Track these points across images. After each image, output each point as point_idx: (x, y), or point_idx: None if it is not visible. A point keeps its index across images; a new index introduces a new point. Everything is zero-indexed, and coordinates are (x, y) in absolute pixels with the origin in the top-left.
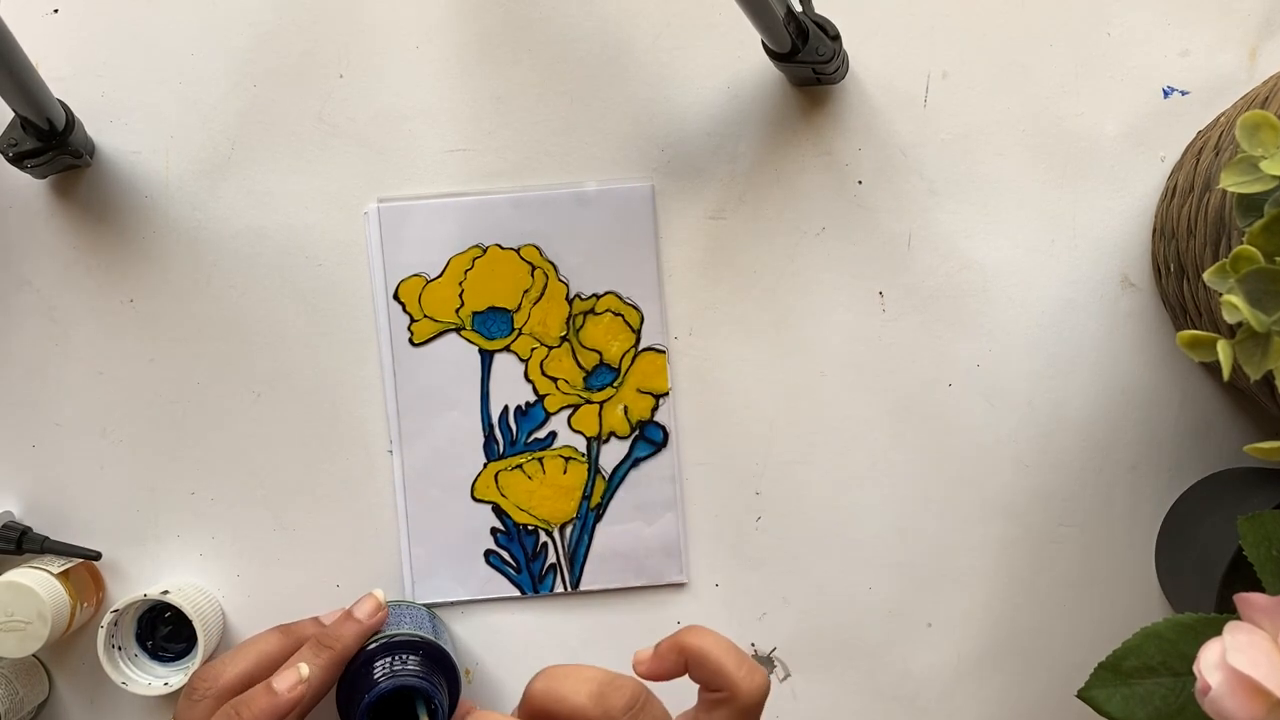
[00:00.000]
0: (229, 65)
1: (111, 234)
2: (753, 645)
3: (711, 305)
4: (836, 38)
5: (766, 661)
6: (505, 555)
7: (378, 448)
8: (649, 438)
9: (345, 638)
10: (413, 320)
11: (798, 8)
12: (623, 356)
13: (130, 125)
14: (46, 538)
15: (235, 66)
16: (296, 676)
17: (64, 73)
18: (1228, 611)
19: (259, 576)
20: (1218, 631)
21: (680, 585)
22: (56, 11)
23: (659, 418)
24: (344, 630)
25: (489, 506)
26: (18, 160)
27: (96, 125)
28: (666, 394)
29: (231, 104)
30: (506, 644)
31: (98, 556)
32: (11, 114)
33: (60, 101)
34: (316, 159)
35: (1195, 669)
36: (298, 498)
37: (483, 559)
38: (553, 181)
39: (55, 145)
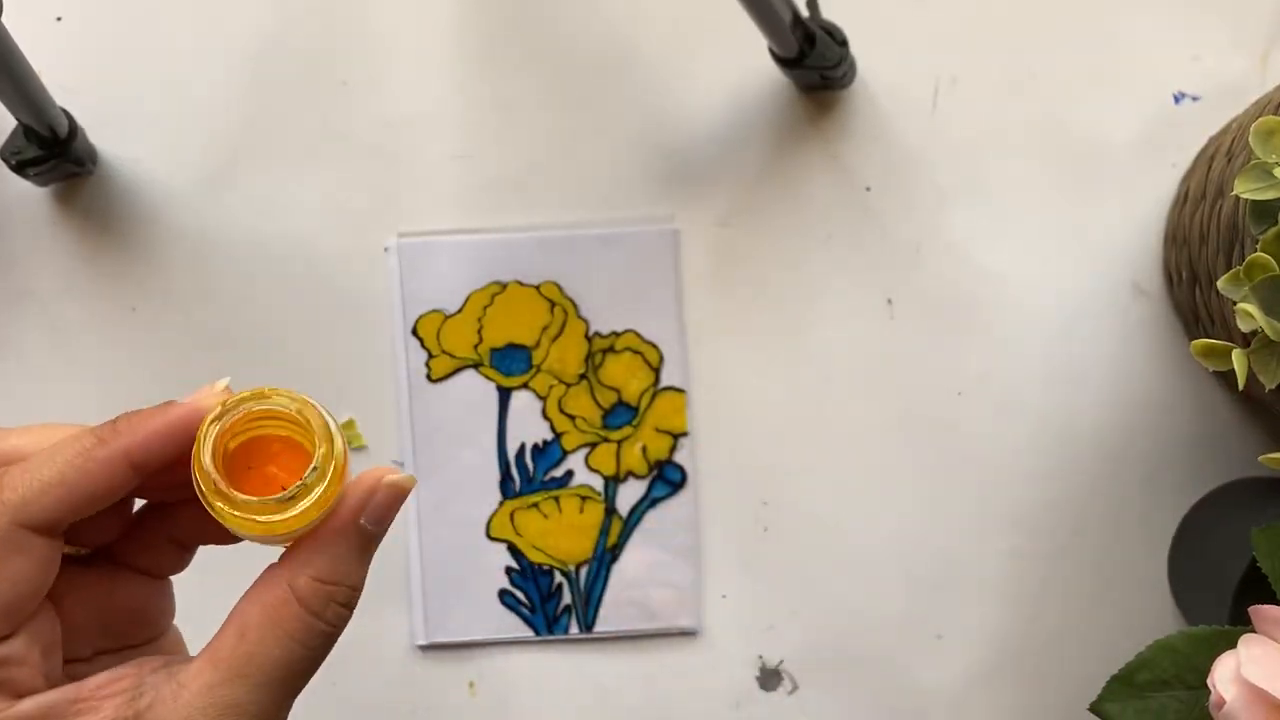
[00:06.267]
0: (232, 73)
1: (114, 242)
2: (760, 657)
3: (718, 312)
4: (844, 43)
5: (774, 674)
6: (520, 595)
7: None
8: (667, 478)
9: (137, 428)
10: (430, 356)
11: (805, 13)
12: (641, 395)
13: (133, 133)
14: None
15: (238, 75)
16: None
17: (66, 81)
18: (1242, 624)
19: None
20: (1232, 644)
21: (692, 634)
22: (60, 19)
23: (678, 458)
24: (140, 419)
25: (504, 545)
26: (20, 168)
27: (99, 133)
28: (685, 434)
29: (235, 112)
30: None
31: None
32: (14, 122)
33: (63, 109)
34: (320, 166)
35: (1209, 683)
36: None
37: (497, 598)
38: (555, 183)
39: (58, 153)
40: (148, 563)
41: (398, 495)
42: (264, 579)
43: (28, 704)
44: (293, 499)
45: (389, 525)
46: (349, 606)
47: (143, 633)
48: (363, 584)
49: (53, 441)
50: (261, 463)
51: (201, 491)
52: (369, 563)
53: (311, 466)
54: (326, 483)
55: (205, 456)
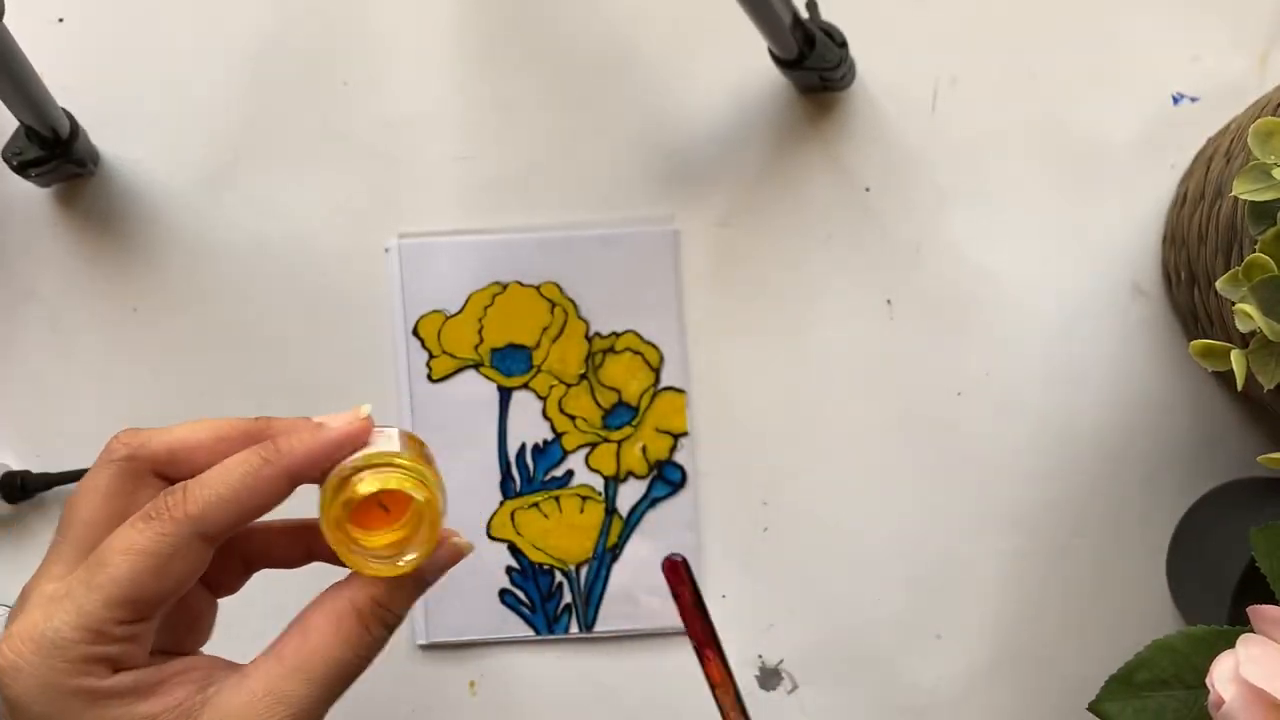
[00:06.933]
0: (232, 73)
1: (115, 242)
2: (760, 657)
3: (718, 312)
4: (844, 44)
5: (774, 674)
6: (520, 594)
7: None
8: (667, 478)
9: (297, 450)
10: (431, 356)
11: (804, 15)
12: (641, 395)
13: (134, 134)
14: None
15: (238, 75)
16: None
17: (68, 81)
18: (1241, 624)
19: (264, 608)
20: (1231, 644)
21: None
22: (61, 20)
23: (678, 458)
24: (300, 441)
25: (504, 545)
26: (22, 169)
27: (100, 134)
28: (685, 434)
29: (235, 112)
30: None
31: None
32: (15, 123)
33: (64, 110)
34: (320, 166)
35: (1208, 682)
36: None
37: (497, 598)
38: (555, 183)
39: (59, 154)
40: (215, 578)
41: (456, 556)
42: (329, 593)
43: (124, 677)
44: (404, 558)
45: (441, 577)
46: (391, 630)
47: (192, 642)
48: (406, 615)
49: (200, 434)
50: (381, 501)
51: (330, 539)
52: (416, 600)
53: (421, 542)
54: (427, 547)
55: (332, 528)
